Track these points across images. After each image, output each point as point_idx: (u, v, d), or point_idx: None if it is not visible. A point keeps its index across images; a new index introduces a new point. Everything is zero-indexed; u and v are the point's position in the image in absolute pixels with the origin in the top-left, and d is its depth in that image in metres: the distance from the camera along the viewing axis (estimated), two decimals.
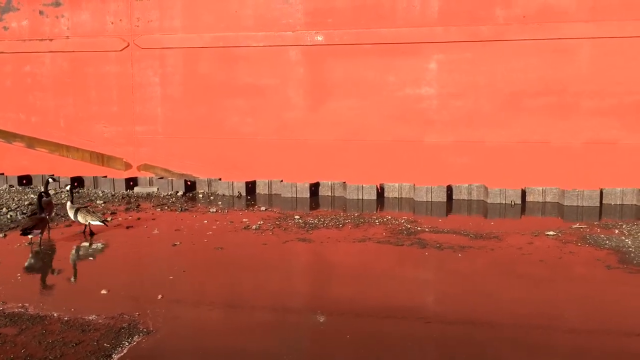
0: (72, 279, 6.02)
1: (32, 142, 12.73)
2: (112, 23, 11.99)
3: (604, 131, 10.12)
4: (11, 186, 12.02)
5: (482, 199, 10.28)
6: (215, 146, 11.75)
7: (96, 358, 4.01)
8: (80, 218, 7.64)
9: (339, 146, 11.19)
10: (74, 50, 12.24)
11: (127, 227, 8.25)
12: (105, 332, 4.44)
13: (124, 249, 7.28)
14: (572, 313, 4.97)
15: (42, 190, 8.25)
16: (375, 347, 4.25)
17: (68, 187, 8.84)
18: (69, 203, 7.95)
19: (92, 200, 10.36)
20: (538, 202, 10.05)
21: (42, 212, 7.47)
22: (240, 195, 11.01)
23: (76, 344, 4.21)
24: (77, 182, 11.78)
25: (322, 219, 8.63)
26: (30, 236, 7.09)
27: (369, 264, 6.46)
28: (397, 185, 10.64)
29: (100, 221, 7.66)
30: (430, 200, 10.24)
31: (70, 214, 7.78)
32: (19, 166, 12.63)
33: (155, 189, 11.37)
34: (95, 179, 11.76)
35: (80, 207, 7.83)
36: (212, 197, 10.86)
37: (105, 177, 11.79)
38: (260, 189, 11.32)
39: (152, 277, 6.09)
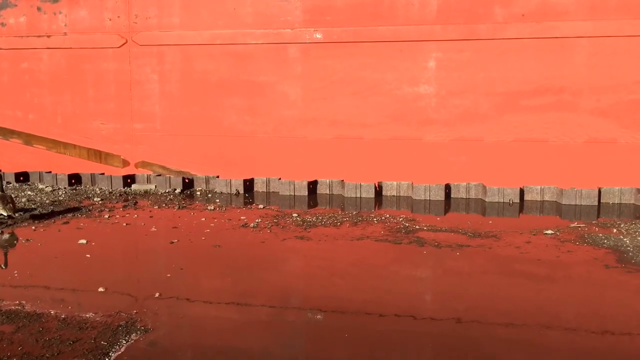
0: (69, 276, 6.00)
1: (29, 139, 12.69)
2: (110, 20, 11.95)
3: (603, 130, 10.12)
4: (8, 183, 11.98)
5: (480, 197, 10.28)
6: (213, 144, 11.74)
7: (93, 356, 3.99)
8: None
9: (337, 144, 11.18)
10: (72, 47, 12.21)
11: (125, 225, 8.23)
12: (103, 330, 4.42)
13: (121, 247, 7.26)
14: (570, 312, 4.96)
15: None
16: (373, 345, 4.24)
17: None
18: None
19: (89, 198, 10.33)
20: (536, 200, 10.06)
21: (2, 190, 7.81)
22: (238, 193, 11.00)
23: (73, 342, 4.20)
24: (75, 179, 11.75)
25: (320, 217, 8.62)
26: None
27: (367, 262, 6.45)
28: (395, 183, 10.64)
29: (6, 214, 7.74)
30: (428, 198, 10.24)
31: None
32: (16, 163, 12.61)
33: (152, 187, 11.34)
34: (92, 176, 11.74)
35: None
36: (209, 195, 10.85)
37: (103, 174, 11.76)
38: (258, 187, 11.30)
39: (149, 275, 6.07)
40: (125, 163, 12.27)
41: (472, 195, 10.36)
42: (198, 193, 11.09)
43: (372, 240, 7.26)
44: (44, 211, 8.93)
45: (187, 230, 7.89)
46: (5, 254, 6.83)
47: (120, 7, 11.86)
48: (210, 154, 11.78)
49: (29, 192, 10.76)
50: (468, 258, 6.49)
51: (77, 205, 9.56)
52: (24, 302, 5.06)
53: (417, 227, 8.00)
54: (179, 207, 9.51)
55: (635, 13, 9.77)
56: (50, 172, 12.03)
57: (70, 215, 8.79)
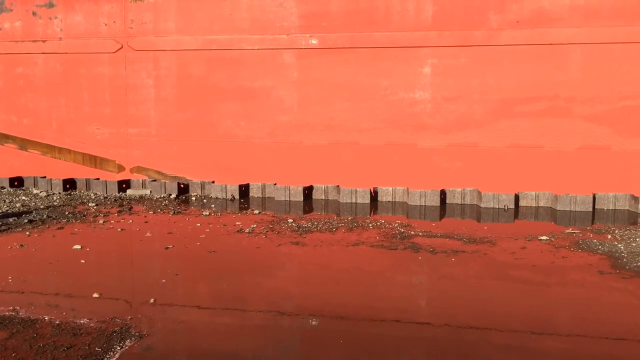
0: (64, 282, 5.97)
1: (24, 144, 12.65)
2: (105, 25, 11.95)
3: (597, 136, 10.16)
4: (2, 188, 11.94)
5: (475, 203, 10.30)
6: (208, 149, 11.73)
7: None
8: None
9: (332, 149, 11.19)
10: (67, 52, 12.19)
11: (120, 230, 8.21)
12: (97, 336, 4.40)
13: (116, 252, 7.24)
14: (565, 318, 4.97)
15: None
16: (368, 350, 4.24)
17: None
18: None
19: (84, 203, 10.30)
20: (531, 206, 10.08)
21: None
22: (234, 198, 10.98)
23: (67, 348, 4.18)
24: (70, 184, 11.72)
25: (316, 223, 8.61)
26: None
27: (362, 268, 6.45)
28: (390, 189, 10.65)
29: None
30: (423, 204, 10.25)
31: None
32: (10, 168, 12.56)
33: (148, 192, 11.32)
34: (87, 181, 11.70)
35: None
36: (205, 200, 10.83)
37: (98, 179, 11.73)
38: (254, 192, 11.29)
39: (144, 281, 6.05)
40: (120, 168, 12.25)
41: (467, 200, 10.38)
42: (193, 198, 11.07)
43: (367, 246, 7.26)
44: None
45: (182, 235, 7.87)
46: None
47: (116, 12, 11.86)
48: (206, 159, 11.77)
49: (24, 197, 10.72)
50: (463, 264, 6.49)
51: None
52: (18, 307, 5.03)
53: (413, 232, 8.00)
54: (174, 213, 9.49)
55: (629, 20, 9.83)
56: (44, 177, 11.99)
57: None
